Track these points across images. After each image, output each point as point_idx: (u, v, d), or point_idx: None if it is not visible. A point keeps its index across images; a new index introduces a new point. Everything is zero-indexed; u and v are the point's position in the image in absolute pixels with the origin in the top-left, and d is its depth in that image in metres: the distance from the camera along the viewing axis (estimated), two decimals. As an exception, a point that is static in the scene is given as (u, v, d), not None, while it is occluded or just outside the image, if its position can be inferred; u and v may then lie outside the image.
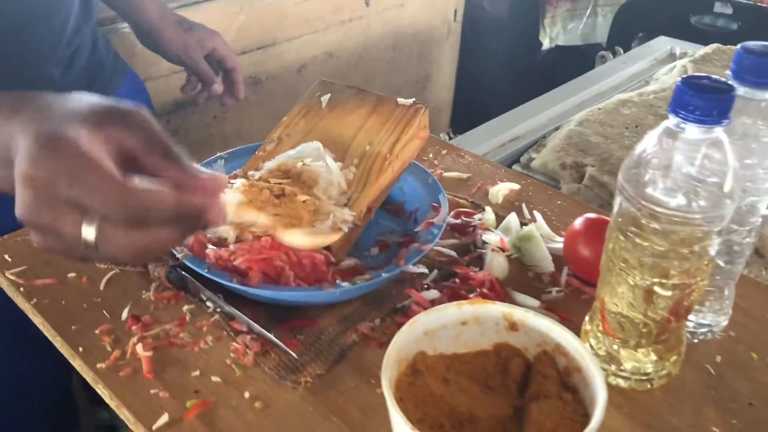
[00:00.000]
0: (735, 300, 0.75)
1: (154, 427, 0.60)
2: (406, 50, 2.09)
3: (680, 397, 0.65)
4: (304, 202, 0.74)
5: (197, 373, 0.66)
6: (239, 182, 0.75)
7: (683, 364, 0.67)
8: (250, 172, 0.81)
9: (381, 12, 1.93)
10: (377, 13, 1.92)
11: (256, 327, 0.69)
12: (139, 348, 0.67)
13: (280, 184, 0.75)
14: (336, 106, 0.88)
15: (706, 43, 1.69)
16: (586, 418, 0.51)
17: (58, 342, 0.69)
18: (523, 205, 0.90)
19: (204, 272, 0.70)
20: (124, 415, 0.63)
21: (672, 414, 0.63)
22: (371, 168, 0.81)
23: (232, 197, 0.74)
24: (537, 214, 0.86)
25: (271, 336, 0.68)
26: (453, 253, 0.81)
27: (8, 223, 0.82)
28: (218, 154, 0.88)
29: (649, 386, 0.65)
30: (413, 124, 0.85)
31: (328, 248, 0.75)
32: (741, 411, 0.64)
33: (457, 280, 0.77)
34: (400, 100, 0.87)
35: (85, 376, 0.67)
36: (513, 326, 0.58)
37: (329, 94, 0.89)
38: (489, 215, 0.86)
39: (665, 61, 1.73)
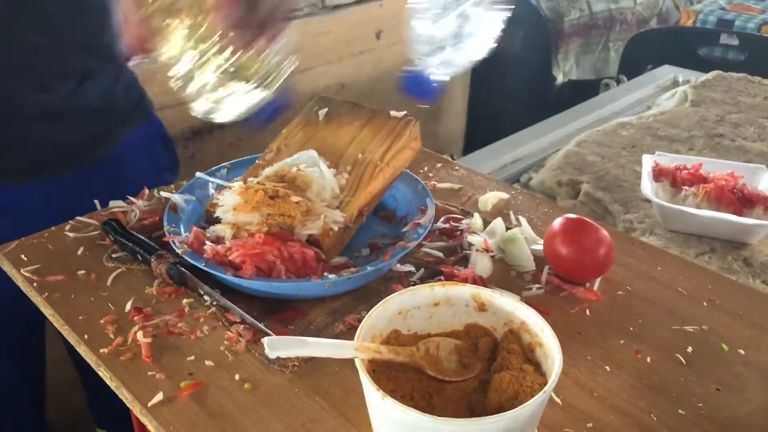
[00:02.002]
0: (710, 296, 0.78)
1: (150, 404, 0.65)
2: (417, 82, 2.15)
3: (650, 383, 0.68)
4: (297, 203, 0.79)
5: (192, 358, 0.70)
6: (236, 185, 0.81)
7: (655, 353, 0.70)
8: (250, 179, 0.86)
9: (392, 45, 2.00)
10: (388, 46, 1.99)
11: (249, 318, 0.73)
12: (139, 335, 0.72)
13: (274, 186, 0.80)
14: (332, 119, 0.94)
15: (712, 72, 1.73)
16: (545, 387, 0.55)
17: (65, 330, 0.74)
18: (511, 212, 0.94)
19: (201, 266, 0.75)
20: (123, 394, 0.67)
21: (640, 398, 0.66)
22: (363, 174, 0.86)
23: (229, 198, 0.80)
24: (522, 219, 0.90)
25: (261, 326, 0.72)
26: (440, 254, 0.85)
27: (25, 230, 0.89)
28: (222, 164, 0.94)
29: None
30: (404, 134, 0.90)
31: (319, 247, 0.79)
32: (707, 396, 0.66)
33: (443, 278, 0.81)
34: (393, 113, 0.92)
35: (88, 360, 0.71)
36: (482, 306, 0.62)
37: (327, 108, 0.95)
38: (477, 220, 0.90)
39: (668, 88, 1.78)
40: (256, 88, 0.70)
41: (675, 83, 1.81)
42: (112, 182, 1.02)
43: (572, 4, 2.85)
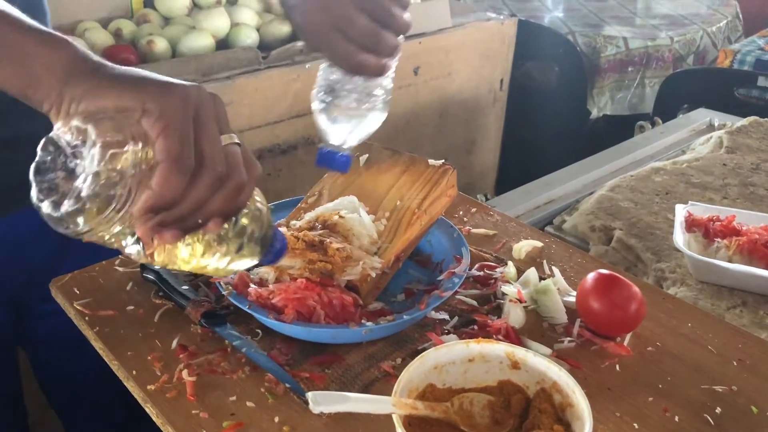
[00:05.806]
0: (740, 356, 0.80)
1: (193, 443, 0.68)
2: (453, 117, 2.19)
3: (678, 443, 0.69)
4: (337, 249, 0.82)
5: (234, 398, 0.73)
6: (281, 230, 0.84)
7: (683, 412, 0.71)
8: (292, 222, 0.90)
9: (429, 81, 2.04)
10: (425, 81, 2.03)
11: (279, 371, 0.76)
12: (184, 374, 0.76)
13: (318, 233, 0.83)
14: (372, 165, 0.97)
15: (749, 116, 1.73)
16: (575, 448, 0.57)
17: (114, 366, 0.78)
18: (544, 262, 0.96)
19: (245, 308, 0.78)
20: (168, 431, 0.70)
21: (669, 458, 0.67)
22: (401, 221, 0.89)
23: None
24: (555, 270, 0.92)
25: (289, 377, 0.75)
26: (474, 303, 0.87)
27: (78, 263, 0.93)
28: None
29: None
30: (441, 183, 0.93)
31: (357, 292, 0.82)
32: (736, 459, 0.68)
33: (476, 327, 0.83)
34: (431, 161, 0.95)
35: (135, 396, 0.75)
36: (515, 365, 0.64)
37: (367, 155, 0.98)
38: (510, 269, 0.92)
39: (703, 132, 1.78)
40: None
41: (710, 127, 1.82)
42: None
43: (609, 41, 2.86)
